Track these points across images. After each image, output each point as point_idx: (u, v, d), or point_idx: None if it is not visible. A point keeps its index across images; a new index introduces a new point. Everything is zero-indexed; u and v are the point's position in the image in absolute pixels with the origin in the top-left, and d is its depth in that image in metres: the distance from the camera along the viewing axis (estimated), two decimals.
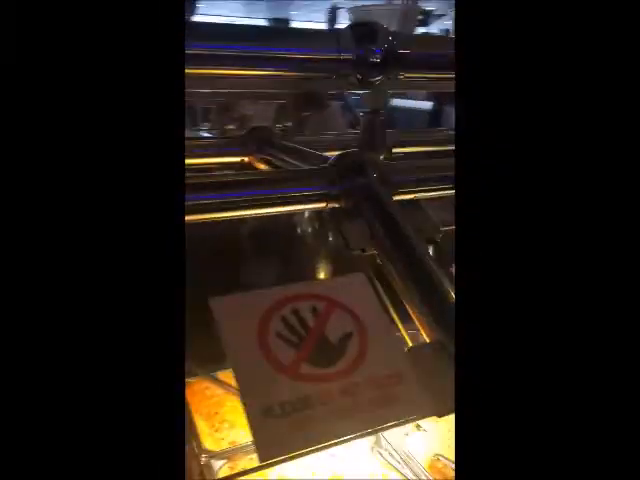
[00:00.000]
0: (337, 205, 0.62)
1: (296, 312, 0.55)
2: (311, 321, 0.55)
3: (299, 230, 0.69)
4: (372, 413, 0.51)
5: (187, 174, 0.50)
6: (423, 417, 0.54)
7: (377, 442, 0.88)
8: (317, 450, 0.49)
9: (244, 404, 0.49)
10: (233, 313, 0.54)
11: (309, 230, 0.67)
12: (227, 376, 1.08)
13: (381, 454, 0.85)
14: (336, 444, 0.49)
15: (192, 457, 0.89)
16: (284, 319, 0.54)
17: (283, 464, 0.84)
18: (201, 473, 0.86)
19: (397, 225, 0.60)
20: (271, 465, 0.49)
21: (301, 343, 0.53)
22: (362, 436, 0.61)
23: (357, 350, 0.54)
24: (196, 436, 0.93)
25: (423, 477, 0.80)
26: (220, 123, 2.02)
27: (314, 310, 0.56)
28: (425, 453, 0.86)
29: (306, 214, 0.67)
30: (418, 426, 0.99)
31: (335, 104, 2.15)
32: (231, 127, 1.95)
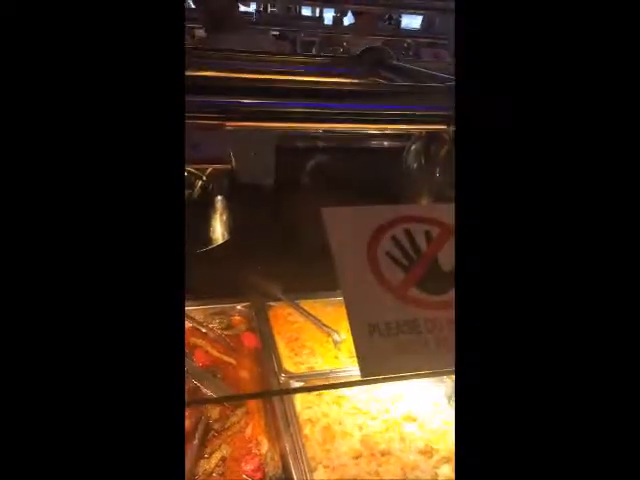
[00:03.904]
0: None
1: (408, 233, 0.52)
2: (423, 245, 0.52)
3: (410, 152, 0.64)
4: None
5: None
6: None
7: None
8: (419, 376, 0.47)
9: (349, 320, 0.48)
10: (345, 225, 0.52)
11: (422, 154, 0.62)
12: (309, 305, 1.09)
13: None
14: (440, 374, 0.47)
15: (272, 375, 0.92)
16: (395, 239, 0.52)
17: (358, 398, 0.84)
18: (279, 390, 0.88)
19: None
20: (371, 382, 0.49)
21: (411, 266, 0.50)
22: None
23: None
24: (277, 356, 0.95)
25: None
26: None
27: (427, 234, 0.52)
28: None
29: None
30: None
31: None
32: None
